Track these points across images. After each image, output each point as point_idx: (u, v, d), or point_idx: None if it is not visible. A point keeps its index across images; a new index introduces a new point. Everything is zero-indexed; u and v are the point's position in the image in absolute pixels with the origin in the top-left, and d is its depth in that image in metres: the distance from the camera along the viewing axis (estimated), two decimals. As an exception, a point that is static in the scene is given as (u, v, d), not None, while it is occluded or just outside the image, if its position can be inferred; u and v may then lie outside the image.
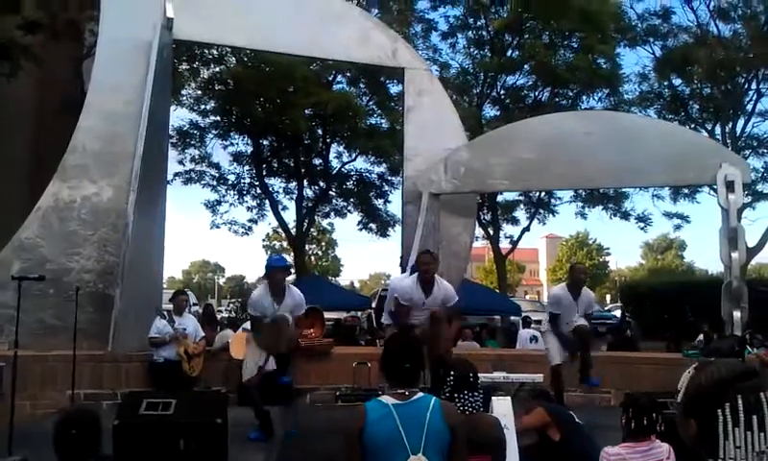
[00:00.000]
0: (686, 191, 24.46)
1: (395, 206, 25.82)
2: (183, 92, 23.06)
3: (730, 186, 10.48)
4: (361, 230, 27.13)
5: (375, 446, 2.88)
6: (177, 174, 24.65)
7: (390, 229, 26.25)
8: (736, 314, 10.00)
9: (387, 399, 2.97)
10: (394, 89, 23.33)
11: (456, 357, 4.24)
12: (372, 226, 26.79)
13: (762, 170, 24.49)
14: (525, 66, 24.04)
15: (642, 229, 26.38)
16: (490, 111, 25.76)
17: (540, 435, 5.26)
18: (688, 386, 1.74)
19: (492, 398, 5.24)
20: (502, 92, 25.53)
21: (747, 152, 23.61)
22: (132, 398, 6.29)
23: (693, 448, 1.74)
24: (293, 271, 21.97)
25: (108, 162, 10.30)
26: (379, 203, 26.61)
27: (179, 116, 25.71)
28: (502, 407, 5.19)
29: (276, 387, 7.14)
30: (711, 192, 19.21)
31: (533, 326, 14.51)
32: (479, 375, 4.05)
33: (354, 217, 27.47)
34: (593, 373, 8.18)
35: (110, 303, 9.52)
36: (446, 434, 2.93)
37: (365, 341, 14.98)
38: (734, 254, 10.28)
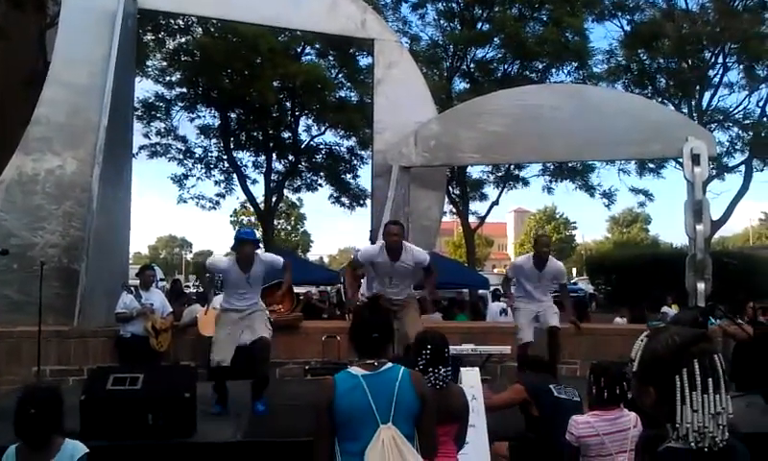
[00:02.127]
0: (652, 166, 24.74)
1: (364, 180, 25.82)
2: (149, 63, 22.71)
3: (695, 159, 10.59)
4: (333, 203, 27.11)
5: (345, 416, 2.89)
6: (142, 147, 24.36)
7: (361, 201, 26.17)
8: (700, 285, 10.18)
9: (356, 370, 2.98)
10: (363, 62, 23.23)
11: (432, 331, 4.24)
12: (345, 199, 26.75)
13: (728, 143, 24.85)
14: (495, 39, 24.01)
15: (607, 205, 26.79)
16: (459, 85, 25.76)
17: (522, 410, 5.28)
18: (643, 354, 1.77)
19: (461, 369, 5.27)
20: (472, 65, 25.51)
21: (713, 125, 23.88)
22: (99, 373, 6.22)
23: (651, 414, 1.77)
24: (261, 246, 21.85)
25: (72, 135, 10.11)
26: (348, 177, 26.57)
27: (144, 88, 25.47)
28: (470, 378, 5.23)
29: (246, 361, 7.06)
30: (677, 166, 19.45)
31: (502, 299, 14.60)
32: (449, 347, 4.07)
33: (325, 191, 27.41)
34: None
35: (76, 278, 9.40)
36: (416, 404, 2.96)
37: (328, 315, 14.97)
38: (699, 227, 10.42)
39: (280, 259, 7.21)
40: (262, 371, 6.85)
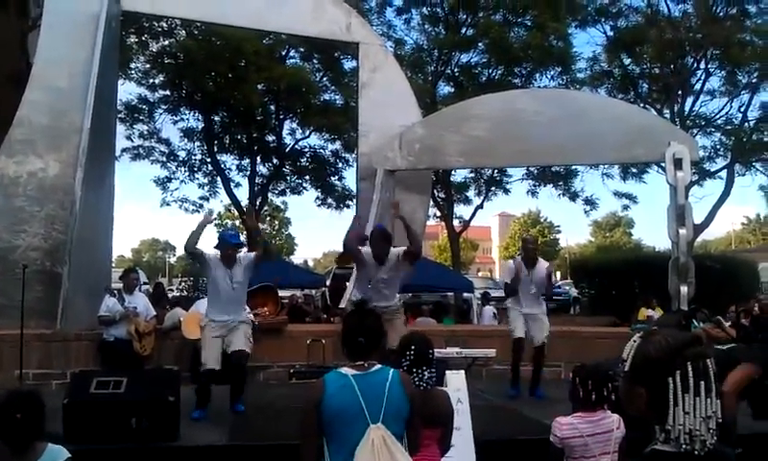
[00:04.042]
0: (635, 170, 24.89)
1: (350, 182, 25.83)
2: (132, 66, 22.60)
3: (678, 164, 10.67)
4: (320, 205, 27.11)
5: (335, 415, 2.90)
6: (125, 150, 24.25)
7: (347, 201, 26.12)
8: (683, 289, 10.25)
9: (347, 370, 3.01)
10: (348, 65, 23.23)
11: (415, 333, 4.25)
12: (331, 201, 26.71)
13: (710, 148, 25.04)
14: (479, 44, 24.09)
15: (587, 213, 26.96)
16: (444, 89, 25.81)
17: None
18: (636, 356, 1.77)
19: (446, 372, 5.27)
20: (456, 70, 25.58)
21: (695, 131, 24.05)
22: (82, 376, 6.18)
23: (638, 417, 1.77)
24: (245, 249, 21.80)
25: (54, 137, 10.03)
26: (333, 179, 26.56)
27: (127, 90, 25.31)
28: (456, 381, 5.24)
29: (228, 365, 7.05)
30: (659, 170, 19.57)
31: (492, 302, 14.64)
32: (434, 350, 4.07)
33: (310, 195, 27.37)
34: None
35: (59, 282, 9.30)
36: (406, 405, 2.99)
37: (312, 318, 14.94)
38: (682, 231, 10.49)
39: (251, 253, 7.39)
40: (240, 379, 7.00)
